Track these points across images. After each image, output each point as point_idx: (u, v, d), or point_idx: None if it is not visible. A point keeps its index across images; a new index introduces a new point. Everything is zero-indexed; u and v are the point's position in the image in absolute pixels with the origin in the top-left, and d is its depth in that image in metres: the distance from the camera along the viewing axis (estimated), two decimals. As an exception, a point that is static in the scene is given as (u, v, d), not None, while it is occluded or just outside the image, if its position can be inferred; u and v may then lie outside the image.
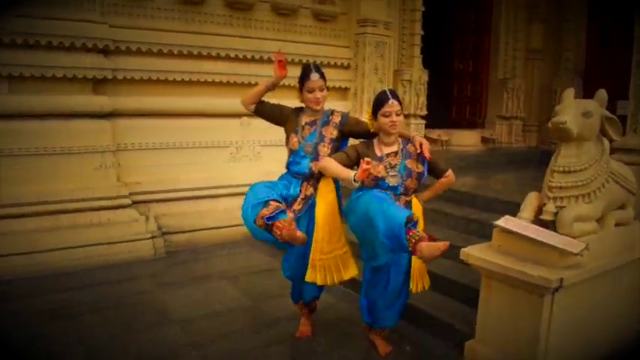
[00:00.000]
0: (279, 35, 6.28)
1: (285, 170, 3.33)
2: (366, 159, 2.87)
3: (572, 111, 2.84)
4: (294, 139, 3.22)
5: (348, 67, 6.93)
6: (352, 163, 3.07)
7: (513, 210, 3.16)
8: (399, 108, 3.01)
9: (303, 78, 3.16)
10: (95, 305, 4.01)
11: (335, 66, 6.78)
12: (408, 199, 3.11)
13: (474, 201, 4.98)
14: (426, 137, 7.68)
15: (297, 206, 3.19)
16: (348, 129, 3.25)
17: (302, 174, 3.23)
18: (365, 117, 3.19)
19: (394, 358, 3.29)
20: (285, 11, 6.29)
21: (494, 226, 3.06)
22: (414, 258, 3.07)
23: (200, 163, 5.88)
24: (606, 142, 3.01)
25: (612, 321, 3.17)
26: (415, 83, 7.33)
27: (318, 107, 3.19)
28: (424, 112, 7.47)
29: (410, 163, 3.08)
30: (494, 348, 3.00)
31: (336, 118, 3.26)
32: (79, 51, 4.96)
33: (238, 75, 5.96)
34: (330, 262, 3.17)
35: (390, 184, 3.01)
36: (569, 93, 3.00)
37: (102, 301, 4.09)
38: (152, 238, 5.20)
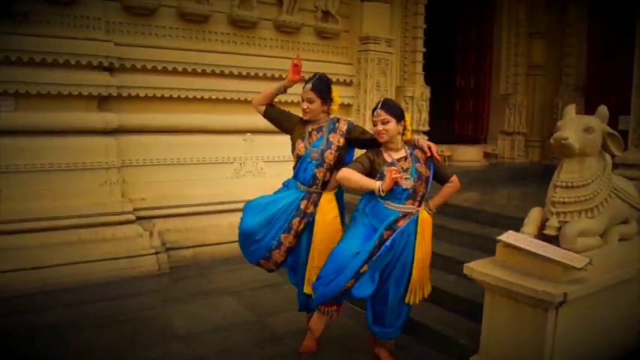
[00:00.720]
0: (283, 52, 6.35)
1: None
2: (392, 168, 2.98)
3: (574, 127, 2.87)
4: (301, 145, 3.27)
5: (350, 84, 6.99)
6: (367, 172, 3.10)
7: (517, 225, 3.18)
8: (386, 117, 3.03)
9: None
10: (98, 321, 4.00)
11: (338, 82, 6.83)
12: (417, 208, 3.14)
13: (478, 216, 4.98)
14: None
15: (299, 227, 3.25)
16: (354, 136, 3.29)
17: (307, 183, 3.27)
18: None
19: (398, 374, 3.28)
20: (289, 29, 6.37)
21: (498, 241, 3.07)
22: (414, 270, 3.11)
23: (204, 179, 5.92)
24: (608, 157, 3.03)
25: (614, 332, 3.18)
26: (417, 99, 7.38)
27: (305, 117, 3.28)
28: (426, 128, 7.51)
29: (420, 167, 3.12)
30: (499, 363, 2.99)
31: (343, 126, 3.31)
32: (84, 68, 5.03)
33: (242, 92, 6.01)
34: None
35: (404, 187, 3.05)
36: (571, 109, 3.03)
37: (105, 317, 4.09)
38: (156, 253, 5.21)
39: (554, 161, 3.04)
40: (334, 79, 6.72)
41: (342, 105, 6.86)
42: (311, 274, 3.22)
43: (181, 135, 5.76)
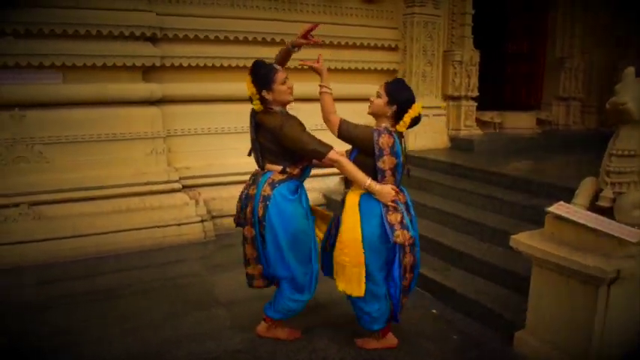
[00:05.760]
0: (326, 18, 6.21)
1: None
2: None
3: (634, 91, 2.67)
4: None
5: (395, 49, 6.78)
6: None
7: (568, 196, 3.04)
8: (382, 91, 2.88)
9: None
10: (145, 286, 4.14)
11: (382, 48, 6.66)
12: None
13: (528, 186, 4.79)
14: (478, 119, 7.48)
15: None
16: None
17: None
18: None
19: (440, 348, 3.23)
20: (332, -7, 6.21)
21: (547, 212, 2.94)
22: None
23: (247, 147, 5.90)
24: (670, 123, 2.81)
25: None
26: (466, 64, 7.09)
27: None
28: (475, 94, 7.23)
29: None
30: (545, 340, 2.89)
31: None
32: (128, 39, 5.08)
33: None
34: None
35: None
36: (630, 72, 2.81)
37: (151, 282, 4.22)
38: (202, 221, 5.30)
39: (613, 129, 2.83)
40: (379, 44, 6.58)
41: (386, 71, 6.79)
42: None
43: (224, 104, 5.75)
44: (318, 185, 6.13)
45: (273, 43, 5.89)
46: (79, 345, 3.21)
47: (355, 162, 2.89)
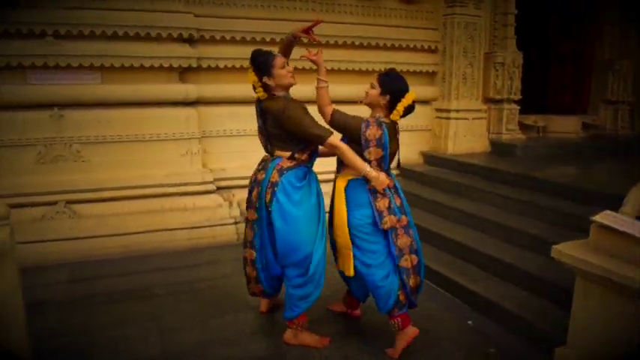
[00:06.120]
0: (363, 19, 6.14)
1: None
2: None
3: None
4: None
5: (435, 51, 6.63)
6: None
7: (616, 204, 2.87)
8: (375, 83, 3.01)
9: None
10: (175, 287, 4.12)
11: (422, 49, 6.52)
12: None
13: (572, 193, 4.57)
14: (520, 123, 7.25)
15: None
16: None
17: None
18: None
19: (476, 361, 3.09)
20: (369, -6, 6.12)
21: (592, 221, 2.76)
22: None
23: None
24: None
25: None
26: (508, 66, 6.88)
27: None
28: (518, 97, 7.01)
29: None
30: (588, 358, 2.71)
31: None
32: (165, 41, 5.12)
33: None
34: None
35: None
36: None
37: (182, 284, 4.21)
38: (235, 223, 5.28)
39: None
40: (418, 46, 6.44)
41: (426, 73, 6.65)
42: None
43: (260, 106, 5.73)
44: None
45: (308, 44, 5.82)
46: (95, 345, 3.20)
47: None
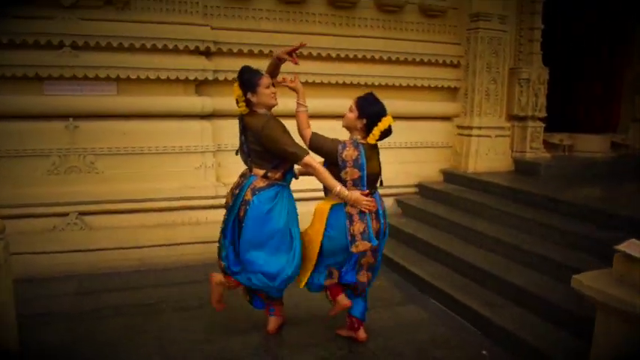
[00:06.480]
0: (384, 33, 6.06)
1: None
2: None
3: None
4: None
5: (457, 66, 6.49)
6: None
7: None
8: (353, 106, 3.11)
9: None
10: (182, 304, 4.03)
11: (444, 64, 6.39)
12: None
13: (598, 216, 4.35)
14: (545, 141, 7.02)
15: None
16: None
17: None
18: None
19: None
20: (391, 7, 6.02)
21: (616, 250, 2.58)
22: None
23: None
24: None
25: None
26: (534, 82, 6.68)
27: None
28: (543, 114, 6.80)
29: None
30: (609, 398, 2.52)
31: None
32: (182, 53, 5.11)
33: (340, 75, 5.81)
34: None
35: None
36: None
37: (190, 300, 4.11)
38: (247, 239, 5.18)
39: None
40: (440, 61, 6.32)
41: (447, 89, 6.50)
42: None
43: (276, 119, 5.67)
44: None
45: (328, 58, 5.77)
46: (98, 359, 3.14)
47: None
